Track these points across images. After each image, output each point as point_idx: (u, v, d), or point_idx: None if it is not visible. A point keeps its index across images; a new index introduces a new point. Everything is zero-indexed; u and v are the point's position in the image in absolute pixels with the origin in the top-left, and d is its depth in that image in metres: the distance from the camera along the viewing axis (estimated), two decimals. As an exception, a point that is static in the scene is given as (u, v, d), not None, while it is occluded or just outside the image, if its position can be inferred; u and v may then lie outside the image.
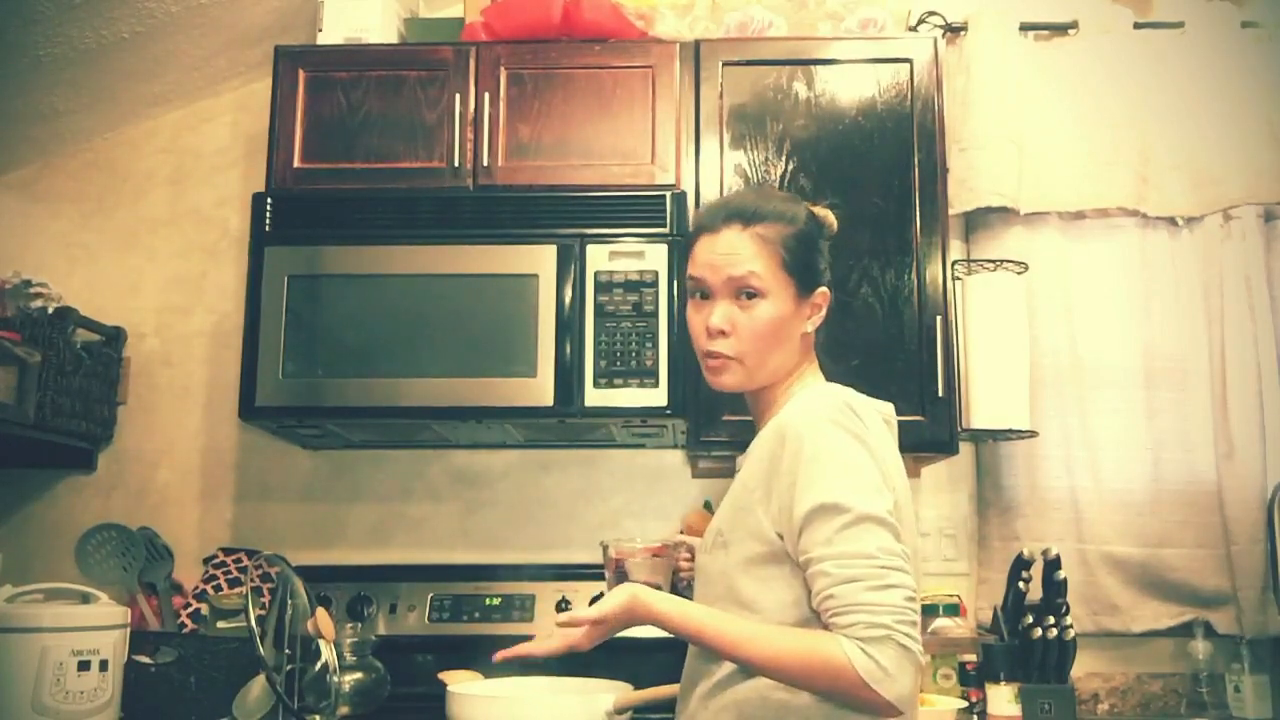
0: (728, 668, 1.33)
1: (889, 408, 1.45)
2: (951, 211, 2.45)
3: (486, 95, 2.30)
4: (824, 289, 1.48)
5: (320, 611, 2.03)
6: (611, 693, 1.73)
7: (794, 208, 1.49)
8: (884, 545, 1.22)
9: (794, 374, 1.48)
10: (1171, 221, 2.59)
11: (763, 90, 2.31)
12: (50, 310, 2.36)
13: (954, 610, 2.37)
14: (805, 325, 1.47)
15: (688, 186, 2.27)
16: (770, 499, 1.31)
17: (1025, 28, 2.61)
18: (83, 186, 2.72)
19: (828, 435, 1.29)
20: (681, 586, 1.69)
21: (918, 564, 1.39)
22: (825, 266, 1.50)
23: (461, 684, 1.97)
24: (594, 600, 2.11)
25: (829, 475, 1.26)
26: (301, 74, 2.33)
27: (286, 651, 1.95)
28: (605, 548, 1.65)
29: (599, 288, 2.17)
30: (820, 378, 1.50)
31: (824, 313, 1.49)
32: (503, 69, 2.32)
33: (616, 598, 1.36)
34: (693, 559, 1.67)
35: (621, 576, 1.61)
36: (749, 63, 2.33)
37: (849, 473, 1.26)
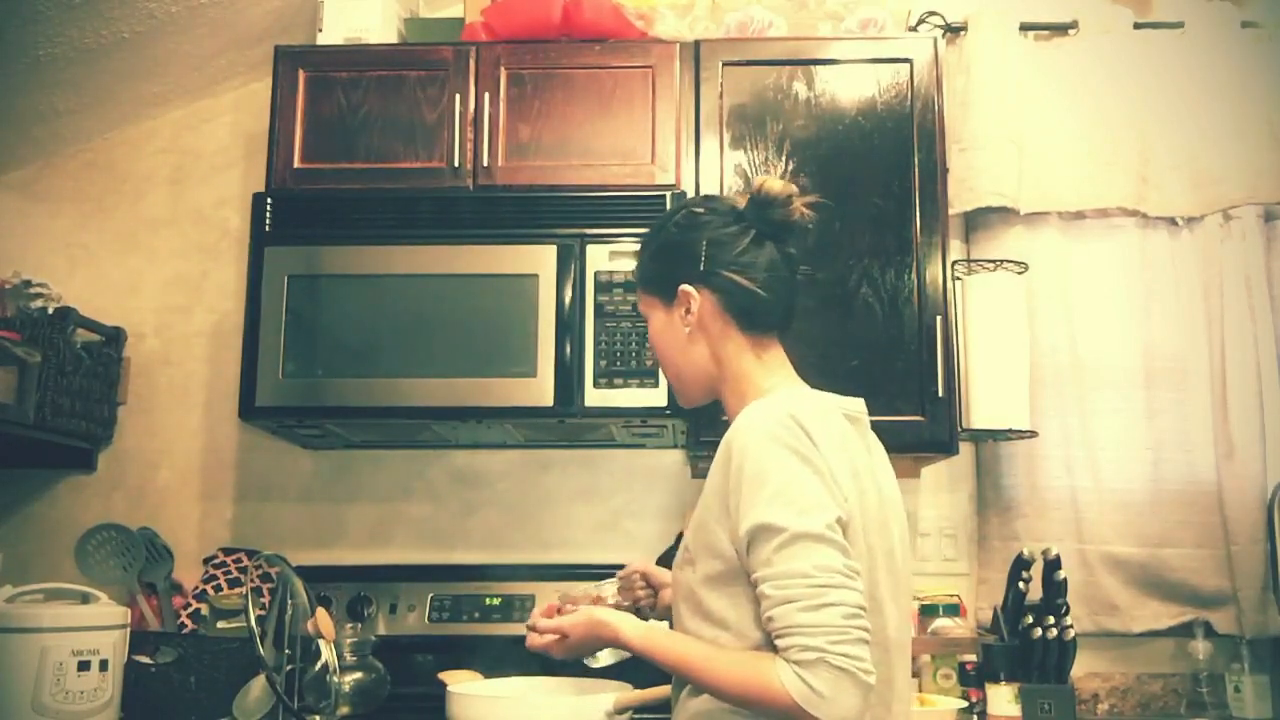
0: None
1: (855, 404, 1.42)
2: (951, 211, 2.45)
3: (486, 95, 2.31)
4: (685, 286, 1.44)
5: (320, 611, 2.04)
6: (611, 693, 1.74)
7: (663, 221, 1.51)
8: (821, 563, 1.20)
9: (739, 379, 1.44)
10: (1171, 221, 2.59)
11: (763, 90, 2.31)
12: (50, 310, 2.36)
13: (954, 610, 2.37)
14: (683, 328, 1.45)
15: (688, 187, 2.27)
16: (725, 516, 1.30)
17: (1025, 28, 2.61)
18: (83, 186, 2.72)
19: (766, 453, 1.26)
20: (648, 613, 1.70)
21: (897, 564, 1.36)
22: (700, 256, 1.43)
23: (461, 684, 1.97)
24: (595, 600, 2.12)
25: (766, 495, 1.24)
26: (301, 74, 2.33)
27: (286, 651, 1.95)
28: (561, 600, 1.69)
29: (599, 288, 2.17)
30: (780, 378, 1.44)
31: (696, 305, 1.43)
32: (503, 69, 2.32)
33: (581, 615, 1.44)
34: (649, 586, 1.70)
35: None
36: (749, 63, 2.33)
37: (785, 491, 1.24)
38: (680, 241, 1.46)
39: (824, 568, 1.20)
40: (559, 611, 1.51)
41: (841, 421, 1.36)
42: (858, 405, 1.42)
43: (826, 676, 1.16)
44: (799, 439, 1.27)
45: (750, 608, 1.28)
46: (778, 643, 1.20)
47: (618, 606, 1.64)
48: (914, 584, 1.47)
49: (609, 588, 1.66)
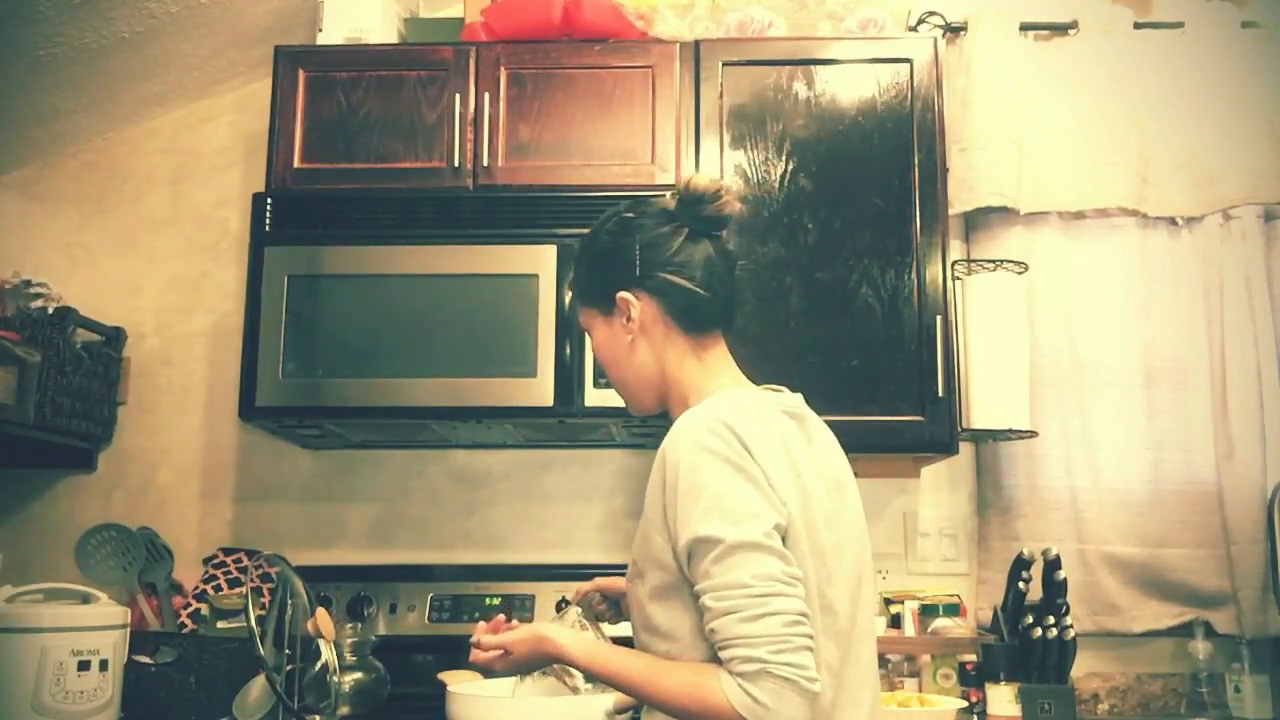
0: None
1: (794, 400, 1.39)
2: (951, 211, 2.45)
3: (486, 95, 2.31)
4: (622, 293, 1.41)
5: (320, 611, 2.04)
6: (611, 692, 1.73)
7: (594, 230, 1.48)
8: (760, 571, 1.19)
9: (682, 384, 1.42)
10: (1171, 221, 2.59)
11: (763, 90, 2.31)
12: (50, 310, 2.36)
13: (954, 610, 2.37)
14: (625, 336, 1.43)
15: (688, 186, 2.26)
16: (665, 528, 1.28)
17: (1025, 28, 2.61)
18: (83, 187, 2.72)
19: (696, 463, 1.25)
20: (620, 618, 1.68)
21: (848, 558, 1.33)
22: (634, 260, 1.41)
23: (461, 684, 1.97)
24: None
25: (699, 507, 1.22)
26: (301, 74, 2.33)
27: (287, 651, 1.95)
28: None
29: (599, 288, 2.17)
30: (724, 380, 1.42)
31: (636, 311, 1.41)
32: (503, 69, 2.32)
33: (524, 631, 1.41)
34: (606, 600, 1.68)
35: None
36: (749, 63, 2.33)
37: (719, 501, 1.22)
38: (613, 247, 1.44)
39: (763, 576, 1.19)
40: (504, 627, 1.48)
41: (781, 421, 1.33)
42: (796, 401, 1.40)
43: (770, 687, 1.15)
44: (731, 446, 1.25)
45: (693, 618, 1.26)
46: (720, 654, 1.19)
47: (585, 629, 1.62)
48: (874, 572, 1.41)
49: (570, 615, 1.61)
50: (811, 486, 1.30)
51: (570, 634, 1.39)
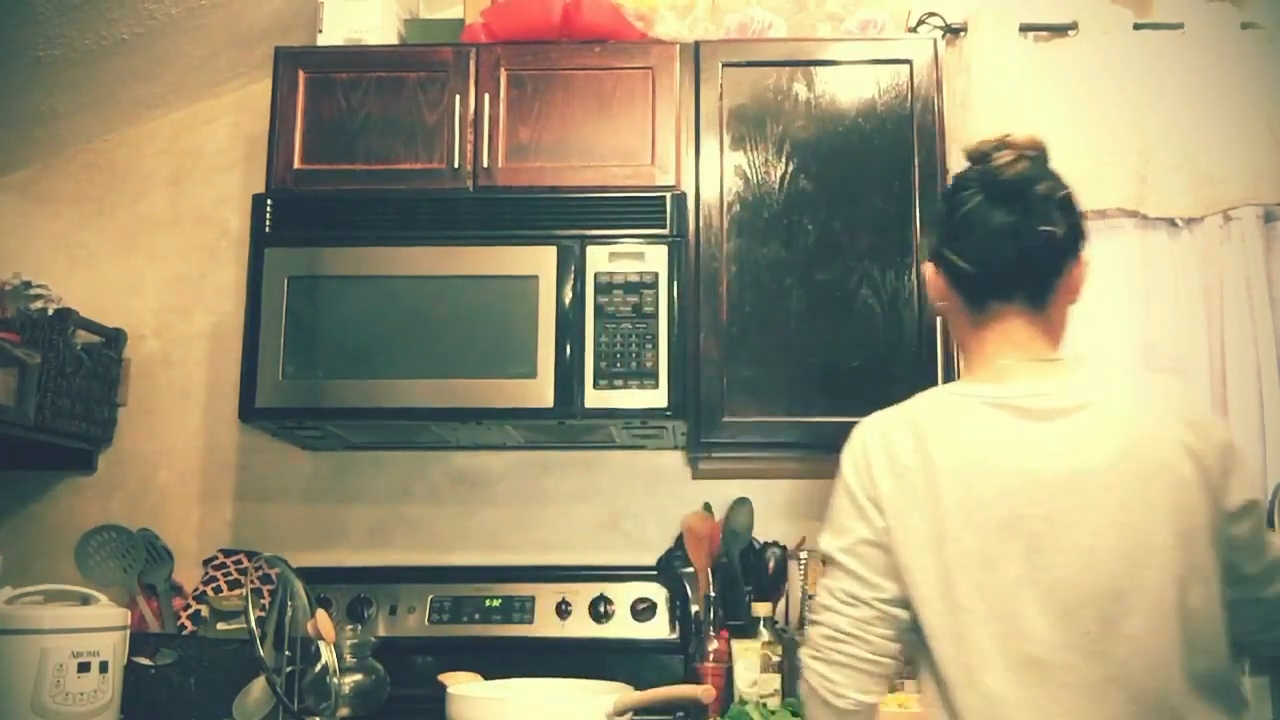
0: None
1: (1027, 389, 1.29)
2: (952, 212, 2.44)
3: (486, 96, 2.31)
4: (926, 263, 1.50)
5: (320, 613, 2.04)
6: (612, 694, 1.74)
7: None
8: (827, 584, 1.30)
9: (964, 361, 1.48)
10: (1171, 222, 2.59)
11: (763, 91, 2.31)
12: (50, 311, 2.36)
13: (954, 611, 2.37)
14: (938, 303, 1.51)
15: (688, 188, 2.27)
16: None
17: (1025, 28, 2.61)
18: (83, 187, 2.72)
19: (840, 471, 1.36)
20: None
21: (1046, 560, 1.19)
22: (931, 231, 1.52)
23: (462, 685, 1.97)
24: (595, 601, 2.10)
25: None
26: (301, 75, 2.33)
27: (286, 653, 1.96)
28: None
29: (599, 289, 2.17)
30: (989, 371, 1.37)
31: (929, 281, 1.49)
32: (503, 70, 2.32)
33: None
34: None
35: None
36: (749, 64, 2.33)
37: (830, 512, 1.34)
38: (932, 217, 1.55)
39: (826, 589, 1.30)
40: None
41: (949, 419, 1.28)
42: (1031, 390, 1.28)
43: (803, 687, 1.29)
44: (850, 456, 1.34)
45: None
46: None
47: None
48: (1159, 581, 1.19)
49: None
50: (947, 492, 1.22)
51: None
